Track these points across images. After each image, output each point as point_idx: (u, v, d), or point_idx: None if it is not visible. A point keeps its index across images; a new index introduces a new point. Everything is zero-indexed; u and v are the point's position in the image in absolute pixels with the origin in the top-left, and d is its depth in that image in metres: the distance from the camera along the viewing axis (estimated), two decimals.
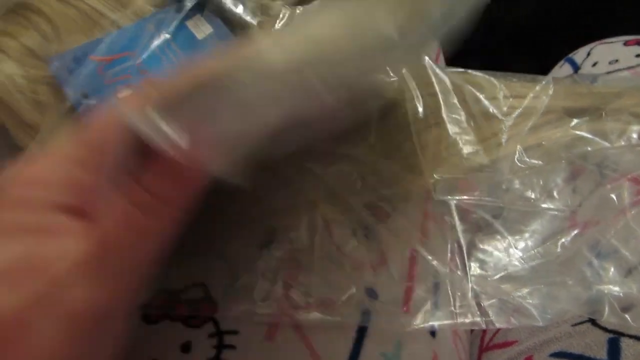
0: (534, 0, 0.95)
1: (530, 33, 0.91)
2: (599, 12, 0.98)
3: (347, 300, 0.27)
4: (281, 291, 0.27)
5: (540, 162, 0.31)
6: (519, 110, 0.32)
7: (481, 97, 0.31)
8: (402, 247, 0.29)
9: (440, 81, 0.30)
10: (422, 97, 0.30)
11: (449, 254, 0.29)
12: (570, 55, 0.53)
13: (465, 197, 0.29)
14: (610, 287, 0.29)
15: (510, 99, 0.32)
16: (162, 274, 0.23)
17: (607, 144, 0.32)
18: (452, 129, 0.30)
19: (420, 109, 0.29)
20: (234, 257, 0.28)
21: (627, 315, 0.28)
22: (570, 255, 0.30)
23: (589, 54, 0.49)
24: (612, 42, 0.49)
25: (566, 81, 0.35)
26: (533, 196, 0.31)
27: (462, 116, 0.30)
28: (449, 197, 0.29)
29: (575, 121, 0.33)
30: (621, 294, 0.28)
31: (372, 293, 0.28)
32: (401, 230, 0.28)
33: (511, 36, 0.93)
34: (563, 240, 0.30)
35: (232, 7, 0.31)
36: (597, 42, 0.51)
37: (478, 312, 0.28)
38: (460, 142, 0.30)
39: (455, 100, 0.30)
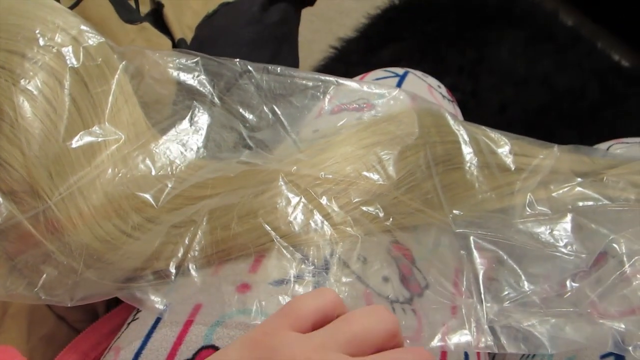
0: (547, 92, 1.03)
1: (541, 120, 0.98)
2: (612, 107, 1.05)
3: None
4: None
5: (548, 211, 0.35)
6: (530, 167, 0.36)
7: (497, 150, 0.36)
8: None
9: (459, 131, 0.35)
10: (444, 143, 0.35)
11: (464, 282, 0.32)
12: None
13: (480, 231, 0.33)
14: (614, 322, 0.31)
15: (521, 157, 0.37)
16: None
17: (608, 202, 0.37)
18: (469, 173, 0.34)
19: (441, 153, 0.34)
20: None
21: (629, 348, 0.30)
22: (576, 292, 0.33)
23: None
24: (630, 143, 0.50)
25: (570, 148, 0.40)
26: (543, 239, 0.35)
27: (478, 164, 0.35)
28: (468, 230, 0.33)
29: (580, 180, 0.37)
30: (624, 329, 0.31)
31: None
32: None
33: (522, 121, 1.00)
34: (570, 281, 0.34)
35: None
36: (614, 141, 0.51)
37: (491, 337, 0.31)
38: (476, 185, 0.34)
39: (471, 150, 0.35)
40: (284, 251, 0.30)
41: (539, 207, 0.35)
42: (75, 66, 0.33)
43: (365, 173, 0.32)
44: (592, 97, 1.07)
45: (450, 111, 0.41)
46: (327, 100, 0.40)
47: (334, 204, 0.31)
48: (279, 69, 0.38)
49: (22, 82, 0.31)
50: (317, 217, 0.30)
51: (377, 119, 0.36)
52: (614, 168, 0.39)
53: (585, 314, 0.32)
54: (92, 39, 0.35)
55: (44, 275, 0.30)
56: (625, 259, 0.33)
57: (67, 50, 0.33)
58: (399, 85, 0.48)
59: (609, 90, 1.06)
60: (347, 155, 0.33)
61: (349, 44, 1.10)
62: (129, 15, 0.50)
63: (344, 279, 0.30)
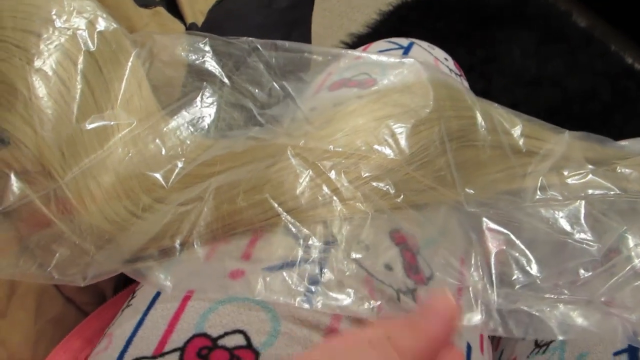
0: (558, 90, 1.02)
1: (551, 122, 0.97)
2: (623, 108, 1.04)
3: None
4: None
5: (559, 197, 0.35)
6: (542, 150, 0.36)
7: (510, 130, 0.35)
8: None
9: (475, 107, 0.35)
10: (459, 118, 0.34)
11: (472, 264, 0.31)
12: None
13: (492, 212, 0.32)
14: (625, 312, 0.31)
15: (533, 139, 0.36)
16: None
17: (621, 192, 0.36)
18: (483, 152, 0.34)
19: (456, 129, 0.33)
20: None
21: (639, 338, 0.30)
22: (588, 281, 0.32)
23: None
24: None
25: (582, 136, 0.39)
26: (553, 225, 0.34)
27: (491, 143, 0.34)
28: (479, 210, 0.32)
29: (592, 168, 0.36)
30: (635, 320, 0.30)
31: None
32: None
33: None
34: (582, 269, 0.33)
35: None
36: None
37: (500, 321, 0.30)
38: (489, 165, 0.33)
39: (486, 127, 0.34)
40: (291, 227, 0.30)
41: (550, 192, 0.34)
42: (91, 49, 0.33)
43: (376, 147, 0.31)
44: (604, 100, 1.06)
45: (458, 80, 0.40)
46: (325, 75, 0.39)
47: (344, 178, 0.30)
48: (287, 44, 0.37)
49: (37, 61, 0.31)
50: (326, 191, 0.30)
51: (390, 89, 0.35)
52: (625, 159, 0.39)
53: (597, 303, 0.31)
54: (107, 24, 0.35)
55: (57, 255, 0.30)
56: (635, 253, 0.32)
57: (83, 33, 0.33)
58: (404, 55, 0.47)
59: (621, 93, 1.05)
60: (358, 128, 0.32)
61: (360, 40, 1.10)
62: None
63: (345, 268, 0.29)
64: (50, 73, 0.31)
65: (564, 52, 1.10)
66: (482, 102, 0.37)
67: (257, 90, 0.38)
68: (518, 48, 1.12)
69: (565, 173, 0.36)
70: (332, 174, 0.30)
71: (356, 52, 0.39)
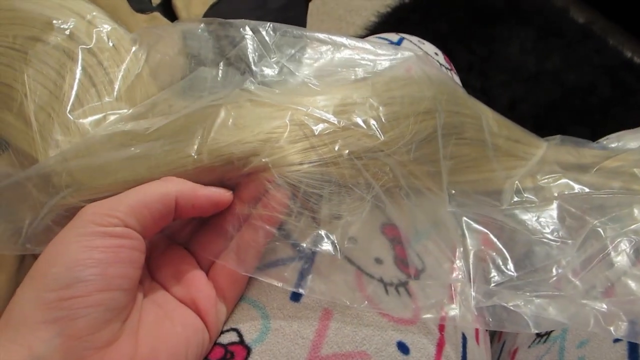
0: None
1: (551, 117, 0.98)
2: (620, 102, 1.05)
3: None
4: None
5: (535, 199, 0.37)
6: (522, 154, 0.38)
7: (497, 132, 0.37)
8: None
9: (470, 104, 0.36)
10: (456, 114, 0.36)
11: (457, 261, 0.34)
12: (601, 140, 0.57)
13: (472, 213, 0.34)
14: (596, 303, 0.33)
15: (515, 143, 0.38)
16: None
17: (593, 191, 0.38)
18: (475, 151, 0.35)
19: (455, 125, 0.35)
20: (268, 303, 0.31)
21: (610, 328, 0.32)
22: (561, 276, 0.34)
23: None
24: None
25: (558, 142, 0.41)
26: (529, 226, 0.36)
27: (481, 143, 0.36)
28: (460, 210, 0.34)
29: (564, 171, 0.39)
30: (605, 309, 0.32)
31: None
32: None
33: (533, 117, 1.00)
34: (556, 267, 0.35)
35: None
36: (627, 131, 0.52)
37: (477, 315, 0.32)
38: (476, 164, 0.35)
39: (479, 127, 0.36)
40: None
41: (525, 195, 0.37)
42: (90, 46, 0.34)
43: (373, 123, 0.32)
44: (603, 93, 1.07)
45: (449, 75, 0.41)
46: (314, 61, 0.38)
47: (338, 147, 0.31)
48: (285, 27, 0.38)
49: (35, 63, 0.32)
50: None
51: (393, 78, 0.36)
52: (600, 161, 0.40)
53: (569, 296, 0.33)
54: (106, 23, 0.36)
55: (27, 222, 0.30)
56: (608, 242, 0.34)
57: (81, 32, 0.34)
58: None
59: (620, 87, 1.06)
60: (355, 101, 0.33)
61: None
62: (140, 4, 0.52)
63: (335, 263, 0.31)
64: (47, 72, 0.32)
65: (562, 48, 1.11)
66: (473, 101, 0.38)
67: (256, 68, 0.37)
68: (516, 45, 1.13)
69: (539, 177, 0.38)
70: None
71: (358, 43, 0.38)
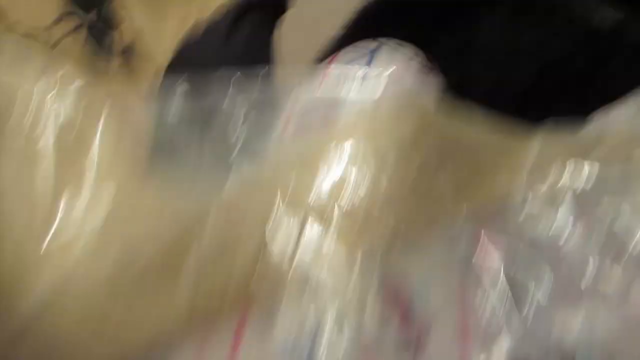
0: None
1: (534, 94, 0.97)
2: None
3: None
4: None
5: (543, 204, 0.35)
6: (519, 162, 0.37)
7: (487, 145, 0.37)
8: None
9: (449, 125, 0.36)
10: (443, 140, 0.36)
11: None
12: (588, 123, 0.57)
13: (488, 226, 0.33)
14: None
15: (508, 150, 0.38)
16: None
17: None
18: (472, 170, 0.35)
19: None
20: None
21: None
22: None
23: None
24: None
25: (546, 134, 0.41)
26: (544, 239, 0.34)
27: (474, 163, 0.36)
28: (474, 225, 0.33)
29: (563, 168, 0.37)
30: None
31: None
32: None
33: (517, 96, 1.00)
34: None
35: None
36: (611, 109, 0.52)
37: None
38: (477, 180, 0.35)
39: (468, 145, 0.37)
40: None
41: (532, 203, 0.35)
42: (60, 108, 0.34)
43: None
44: (580, 64, 1.07)
45: (427, 83, 0.41)
46: (286, 119, 0.39)
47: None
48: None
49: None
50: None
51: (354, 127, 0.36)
52: (589, 150, 0.40)
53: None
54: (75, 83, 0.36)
55: None
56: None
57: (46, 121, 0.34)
58: (369, 62, 0.47)
59: (593, 55, 1.06)
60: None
61: (338, 42, 1.10)
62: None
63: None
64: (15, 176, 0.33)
65: (533, 25, 1.10)
66: (458, 119, 0.37)
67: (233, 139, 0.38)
68: (490, 26, 1.12)
69: (540, 181, 0.36)
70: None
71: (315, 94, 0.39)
